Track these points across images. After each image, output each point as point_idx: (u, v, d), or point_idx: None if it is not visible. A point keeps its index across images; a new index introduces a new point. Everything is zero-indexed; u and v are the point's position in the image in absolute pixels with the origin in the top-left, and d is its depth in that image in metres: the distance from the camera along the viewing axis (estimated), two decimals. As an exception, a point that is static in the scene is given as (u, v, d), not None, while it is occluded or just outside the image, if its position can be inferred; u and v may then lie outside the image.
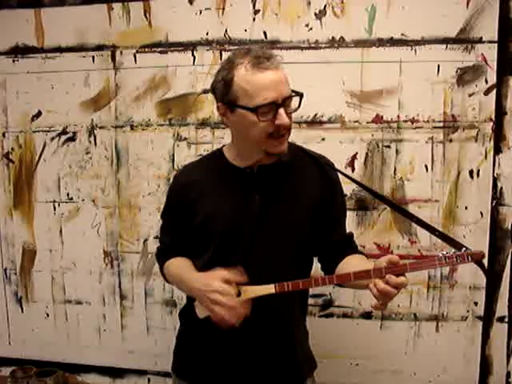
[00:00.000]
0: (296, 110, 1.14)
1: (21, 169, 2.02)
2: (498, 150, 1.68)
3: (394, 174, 1.74)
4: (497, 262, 1.72)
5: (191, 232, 1.25)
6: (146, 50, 1.85)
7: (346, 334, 1.82)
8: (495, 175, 1.69)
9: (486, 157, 1.69)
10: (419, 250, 1.74)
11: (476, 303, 1.74)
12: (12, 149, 2.01)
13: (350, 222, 1.75)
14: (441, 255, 0.96)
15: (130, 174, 1.92)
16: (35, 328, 2.10)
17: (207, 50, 1.79)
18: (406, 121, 1.71)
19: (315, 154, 1.28)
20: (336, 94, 1.73)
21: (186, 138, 1.86)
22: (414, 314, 1.78)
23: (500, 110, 1.66)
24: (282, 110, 1.09)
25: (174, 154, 1.88)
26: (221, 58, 1.76)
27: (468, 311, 1.75)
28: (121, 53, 1.87)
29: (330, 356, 1.80)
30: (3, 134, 2.01)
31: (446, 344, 1.78)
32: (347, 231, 1.31)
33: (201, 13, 1.79)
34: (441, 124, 1.70)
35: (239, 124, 1.15)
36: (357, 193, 1.74)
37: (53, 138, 1.97)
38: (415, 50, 1.67)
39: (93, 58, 1.89)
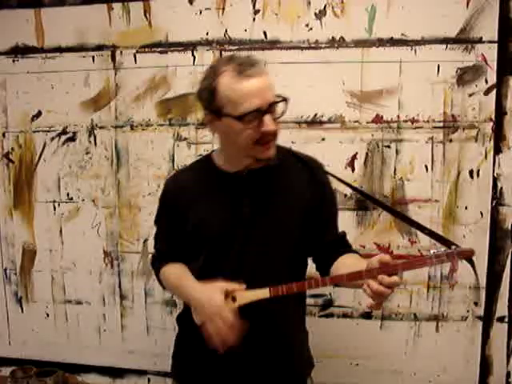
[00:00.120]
0: (282, 115, 1.14)
1: (21, 169, 2.02)
2: (498, 150, 1.68)
3: (394, 174, 1.74)
4: (497, 262, 1.72)
5: (184, 238, 1.25)
6: (146, 49, 1.85)
7: (345, 334, 1.82)
8: (495, 175, 1.69)
9: (486, 157, 1.69)
10: (419, 250, 1.74)
11: (476, 303, 1.74)
12: (12, 149, 2.01)
13: (350, 221, 1.76)
14: (431, 254, 0.96)
15: (130, 174, 1.92)
16: (35, 328, 2.10)
17: (207, 50, 1.79)
18: (406, 121, 1.71)
19: (304, 157, 1.27)
20: (336, 94, 1.73)
21: (186, 138, 1.86)
22: (414, 314, 1.78)
23: (500, 110, 1.66)
24: (267, 117, 1.08)
25: (173, 154, 1.88)
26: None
27: (468, 311, 1.75)
28: (121, 53, 1.87)
29: (330, 356, 1.80)
30: (3, 134, 2.01)
31: (446, 344, 1.78)
32: (340, 230, 1.30)
33: (201, 13, 1.79)
34: (441, 124, 1.70)
35: (226, 132, 1.15)
36: (357, 192, 1.73)
37: (53, 138, 1.97)
38: (415, 50, 1.67)
39: (93, 58, 1.89)
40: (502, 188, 1.69)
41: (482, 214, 1.71)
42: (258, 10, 1.75)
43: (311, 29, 1.72)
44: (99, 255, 1.99)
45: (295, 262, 1.24)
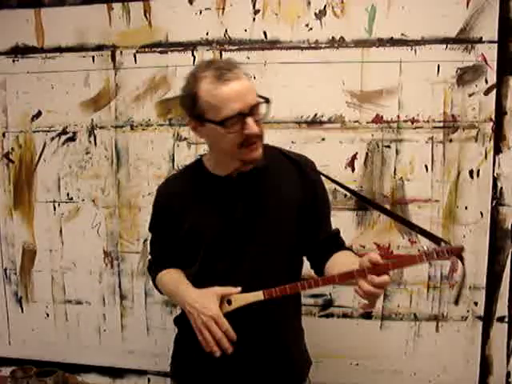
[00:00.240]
0: (265, 116, 1.14)
1: (21, 169, 2.02)
2: (498, 150, 1.68)
3: (394, 174, 1.74)
4: (497, 262, 1.72)
5: (179, 244, 1.25)
6: (146, 49, 1.85)
7: (345, 333, 1.82)
8: (495, 175, 1.69)
9: (486, 157, 1.69)
10: (419, 250, 1.73)
11: (476, 303, 1.74)
12: (12, 149, 2.01)
13: (350, 221, 1.76)
14: (421, 252, 0.96)
15: (130, 174, 1.92)
16: (35, 328, 2.10)
17: (207, 50, 1.79)
18: (406, 121, 1.71)
19: (294, 156, 1.27)
20: (336, 94, 1.73)
21: (185, 138, 1.86)
22: (414, 314, 1.78)
23: (500, 110, 1.66)
24: (249, 120, 1.08)
25: (173, 154, 1.88)
26: (221, 58, 1.76)
27: (468, 311, 1.75)
28: (121, 53, 1.87)
29: (330, 356, 1.80)
30: (3, 134, 2.01)
31: (446, 344, 1.78)
32: (334, 228, 1.30)
33: (201, 13, 1.79)
34: (441, 124, 1.70)
35: (210, 137, 1.16)
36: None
37: (53, 138, 1.97)
38: (415, 50, 1.67)
39: (93, 58, 1.89)
40: (501, 188, 1.69)
41: (481, 214, 1.71)
42: (258, 10, 1.75)
43: (311, 29, 1.72)
44: (99, 255, 1.99)
45: (291, 262, 1.24)
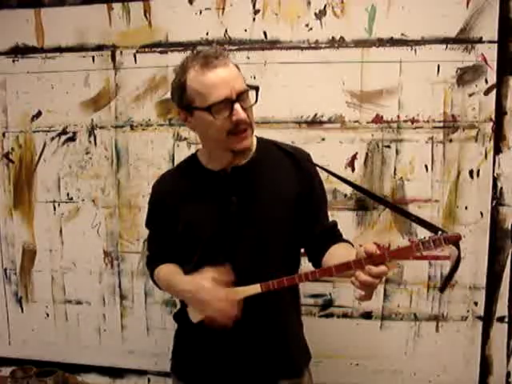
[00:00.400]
0: (254, 104, 1.14)
1: (21, 169, 2.02)
2: (498, 150, 1.68)
3: (394, 174, 1.74)
4: (497, 262, 1.72)
5: (175, 239, 1.26)
6: (146, 50, 1.85)
7: (345, 333, 1.82)
8: (495, 175, 1.69)
9: (486, 157, 1.69)
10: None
11: (476, 303, 1.74)
12: (12, 149, 2.01)
13: (350, 221, 1.76)
14: (418, 241, 0.96)
15: (130, 174, 1.92)
16: (35, 328, 2.10)
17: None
18: (406, 121, 1.71)
19: (289, 148, 1.27)
20: (336, 94, 1.73)
21: (185, 138, 1.86)
22: (414, 314, 1.78)
23: (500, 110, 1.66)
24: (237, 105, 1.08)
25: (173, 154, 1.88)
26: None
27: (468, 311, 1.75)
28: (121, 53, 1.87)
29: (330, 356, 1.80)
30: (3, 134, 2.01)
31: (446, 344, 1.78)
32: (331, 220, 1.30)
33: (201, 13, 1.79)
34: (441, 124, 1.70)
35: (200, 126, 1.16)
36: (357, 192, 1.73)
37: (53, 138, 1.97)
38: (415, 50, 1.67)
39: (93, 58, 1.89)
40: (501, 188, 1.69)
41: (482, 214, 1.71)
42: (258, 10, 1.75)
43: (311, 29, 1.72)
44: (99, 255, 1.99)
45: (288, 255, 1.24)
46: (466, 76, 1.66)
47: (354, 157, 1.75)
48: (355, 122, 1.74)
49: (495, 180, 1.69)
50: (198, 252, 1.21)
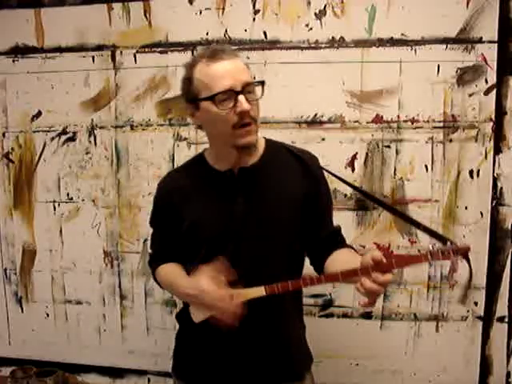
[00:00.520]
0: (260, 97, 1.14)
1: (21, 169, 2.02)
2: (498, 150, 1.68)
3: (394, 174, 1.74)
4: (497, 262, 1.72)
5: (180, 238, 1.25)
6: (146, 50, 1.85)
7: (345, 333, 1.82)
8: (495, 175, 1.69)
9: (486, 157, 1.69)
10: (419, 250, 1.74)
11: (476, 303, 1.74)
12: (12, 149, 2.01)
13: (350, 221, 1.76)
14: (426, 251, 0.96)
15: (130, 174, 1.92)
16: (35, 328, 2.10)
17: (207, 50, 1.79)
18: (406, 121, 1.71)
19: (298, 151, 1.26)
20: (336, 93, 1.73)
21: (186, 138, 1.86)
22: (414, 314, 1.78)
23: (500, 110, 1.66)
24: (241, 97, 1.08)
25: (173, 154, 1.88)
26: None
27: (468, 311, 1.75)
28: (121, 53, 1.87)
29: (330, 356, 1.80)
30: (3, 134, 2.01)
31: (446, 344, 1.78)
32: (335, 225, 1.30)
33: (201, 13, 1.79)
34: (441, 124, 1.70)
35: (205, 120, 1.17)
36: (357, 192, 1.73)
37: (53, 138, 1.97)
38: (415, 50, 1.67)
39: (93, 58, 1.89)
40: (501, 188, 1.69)
41: (482, 214, 1.71)
42: (258, 10, 1.75)
43: (311, 29, 1.72)
44: (99, 255, 1.99)
45: (292, 258, 1.24)
46: (465, 76, 1.67)
47: (354, 157, 1.75)
48: (355, 122, 1.74)
49: (495, 180, 1.69)
50: (202, 252, 1.21)
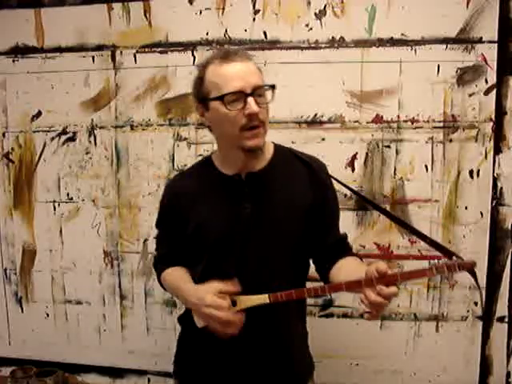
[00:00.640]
0: (269, 101, 1.14)
1: (21, 169, 2.02)
2: (498, 150, 1.68)
3: (394, 174, 1.74)
4: (497, 262, 1.72)
5: (185, 241, 1.25)
6: (146, 50, 1.85)
7: (345, 333, 1.82)
8: (495, 175, 1.69)
9: (486, 157, 1.69)
10: (419, 250, 1.74)
11: (476, 303, 1.74)
12: (12, 149, 2.01)
13: (350, 222, 1.76)
14: (432, 265, 0.95)
15: (130, 174, 1.92)
16: (35, 328, 2.10)
17: (207, 50, 1.79)
18: (406, 121, 1.71)
19: (306, 157, 1.26)
20: (336, 94, 1.73)
21: (186, 138, 1.86)
22: (414, 314, 1.78)
23: (500, 110, 1.66)
24: (250, 99, 1.08)
25: (173, 154, 1.88)
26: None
27: (468, 311, 1.75)
28: (121, 53, 1.87)
29: (329, 356, 1.80)
30: (3, 134, 2.01)
31: (446, 344, 1.78)
32: (341, 232, 1.29)
33: (201, 13, 1.79)
34: (441, 124, 1.70)
35: (214, 120, 1.16)
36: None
37: (53, 138, 1.97)
38: (415, 50, 1.67)
39: (93, 58, 1.89)
40: (501, 188, 1.69)
41: (482, 214, 1.71)
42: (258, 10, 1.75)
43: (311, 29, 1.72)
44: (99, 255, 1.99)
45: (297, 264, 1.23)
46: (465, 76, 1.67)
47: (354, 157, 1.75)
48: (355, 122, 1.74)
49: (495, 180, 1.69)
50: (207, 255, 1.21)
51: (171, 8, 1.81)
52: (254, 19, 1.76)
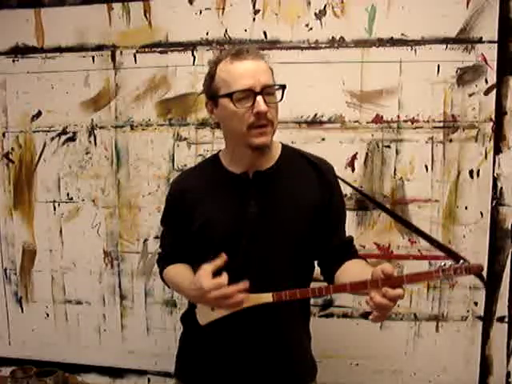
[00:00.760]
0: (279, 101, 1.14)
1: (21, 169, 2.02)
2: (498, 150, 1.68)
3: (394, 174, 1.74)
4: (497, 262, 1.72)
5: (190, 238, 1.25)
6: (146, 50, 1.85)
7: (345, 333, 1.82)
8: (495, 175, 1.69)
9: (486, 157, 1.69)
10: (419, 250, 1.74)
11: (476, 303, 1.74)
12: (12, 149, 2.01)
13: (350, 222, 1.75)
14: (438, 268, 0.95)
15: (130, 174, 1.92)
16: (35, 328, 2.10)
17: (207, 50, 1.79)
18: (406, 121, 1.71)
19: (314, 158, 1.26)
20: (336, 94, 1.73)
21: (186, 138, 1.86)
22: (414, 314, 1.78)
23: (500, 110, 1.66)
24: (259, 98, 1.08)
25: (173, 154, 1.88)
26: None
27: (468, 311, 1.75)
28: (121, 53, 1.87)
29: (330, 356, 1.80)
30: (3, 134, 2.01)
31: (446, 344, 1.78)
32: (347, 235, 1.29)
33: (201, 13, 1.79)
34: (441, 124, 1.70)
35: (223, 117, 1.17)
36: (357, 192, 1.73)
37: (53, 138, 1.97)
38: (415, 50, 1.67)
39: (93, 58, 1.89)
40: (501, 188, 1.69)
41: (482, 214, 1.71)
42: (258, 10, 1.75)
43: (311, 29, 1.73)
44: (99, 255, 1.99)
45: (302, 264, 1.23)
46: (466, 76, 1.67)
47: (354, 157, 1.75)
48: (355, 122, 1.74)
49: (495, 180, 1.69)
50: (212, 253, 1.19)
51: (171, 8, 1.81)
52: (253, 19, 1.76)
